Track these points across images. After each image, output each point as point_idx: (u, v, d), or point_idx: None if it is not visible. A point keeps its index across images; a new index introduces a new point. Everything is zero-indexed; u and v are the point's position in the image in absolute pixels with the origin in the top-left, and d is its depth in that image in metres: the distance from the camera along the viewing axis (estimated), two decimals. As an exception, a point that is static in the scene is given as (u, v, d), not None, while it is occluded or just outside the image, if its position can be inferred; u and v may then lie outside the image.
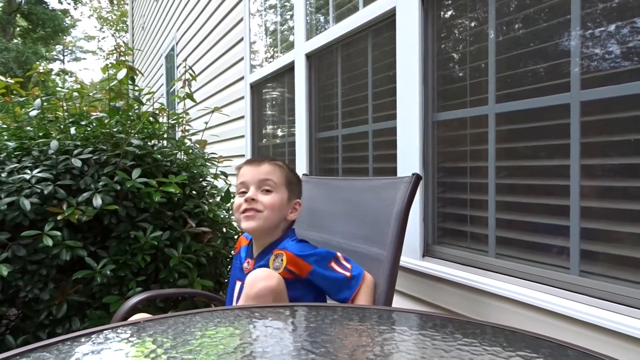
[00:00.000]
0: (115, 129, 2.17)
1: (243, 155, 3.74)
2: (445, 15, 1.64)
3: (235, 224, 2.48)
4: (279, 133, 3.22)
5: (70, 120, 2.24)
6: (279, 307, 0.88)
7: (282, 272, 1.22)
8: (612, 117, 1.13)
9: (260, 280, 1.13)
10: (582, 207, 1.16)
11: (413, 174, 1.43)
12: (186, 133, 2.58)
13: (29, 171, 1.85)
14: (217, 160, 2.51)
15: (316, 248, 1.32)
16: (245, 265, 1.37)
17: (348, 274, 1.26)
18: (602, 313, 1.06)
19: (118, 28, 33.19)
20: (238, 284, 1.35)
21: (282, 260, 1.25)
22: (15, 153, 2.05)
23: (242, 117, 3.77)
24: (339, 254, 1.30)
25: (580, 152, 1.16)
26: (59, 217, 1.76)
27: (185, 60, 3.13)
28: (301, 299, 1.26)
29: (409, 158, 1.69)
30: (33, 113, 2.17)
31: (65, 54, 32.84)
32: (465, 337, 0.68)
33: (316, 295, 1.30)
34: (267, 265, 1.27)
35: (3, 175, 1.84)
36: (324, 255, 1.28)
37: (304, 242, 1.33)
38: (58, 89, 2.45)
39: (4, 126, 2.29)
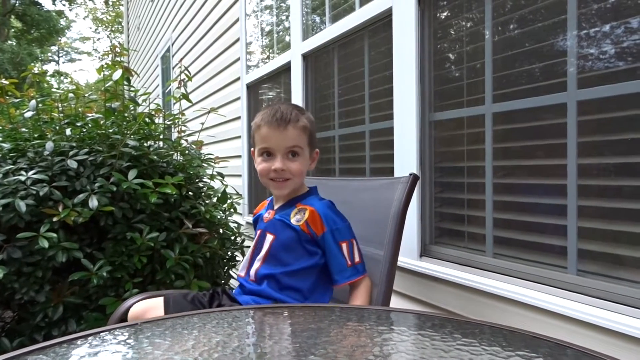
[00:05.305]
0: (111, 130, 2.16)
1: (240, 156, 3.73)
2: (442, 15, 1.64)
3: (232, 225, 2.47)
4: (276, 133, 3.21)
5: (66, 121, 2.22)
6: (277, 308, 0.87)
7: (302, 224, 1.29)
8: (609, 117, 1.13)
9: None
10: (580, 206, 1.17)
11: (410, 174, 1.43)
12: (182, 134, 2.57)
13: (24, 172, 1.84)
14: (213, 161, 2.51)
15: (343, 217, 1.35)
16: (266, 215, 1.41)
17: (349, 262, 1.29)
18: (600, 312, 1.07)
19: (113, 29, 33.11)
20: (258, 232, 1.40)
21: (304, 214, 1.30)
22: (11, 154, 2.03)
23: (239, 117, 3.76)
24: (355, 241, 1.32)
25: (577, 151, 1.17)
26: (54, 219, 1.75)
27: (181, 60, 3.12)
28: (317, 259, 1.30)
29: (406, 158, 1.69)
30: (28, 114, 2.16)
31: (60, 55, 32.73)
32: (465, 337, 0.68)
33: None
34: (288, 217, 1.32)
35: (-2, 176, 1.83)
36: (341, 229, 1.31)
37: (331, 204, 1.36)
38: (53, 90, 2.44)
39: (-1, 127, 2.27)
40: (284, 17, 3.04)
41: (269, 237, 1.34)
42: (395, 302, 1.75)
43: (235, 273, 2.53)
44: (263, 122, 1.32)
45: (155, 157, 2.16)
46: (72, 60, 34.26)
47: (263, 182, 1.37)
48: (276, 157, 1.30)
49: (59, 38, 29.79)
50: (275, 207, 1.40)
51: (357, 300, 1.28)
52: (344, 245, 1.29)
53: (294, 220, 1.31)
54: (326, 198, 1.39)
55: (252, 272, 1.34)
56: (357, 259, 1.30)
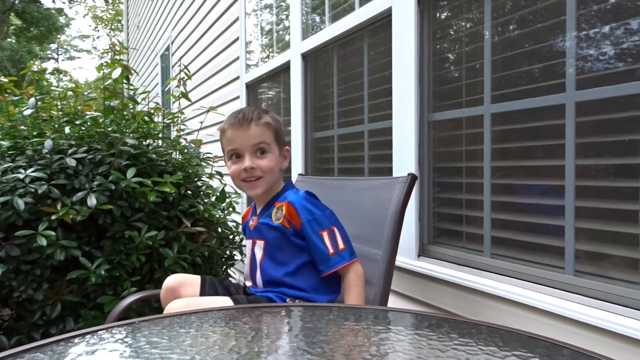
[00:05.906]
0: (110, 129, 2.16)
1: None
2: (441, 16, 1.64)
3: (230, 224, 2.48)
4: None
5: (65, 119, 2.22)
6: (275, 307, 0.88)
7: (282, 222, 1.28)
8: (607, 118, 1.13)
9: None
10: (577, 207, 1.17)
11: (409, 174, 1.43)
12: (181, 132, 2.57)
13: (23, 170, 1.84)
14: (212, 159, 2.51)
15: (321, 206, 1.33)
16: (251, 223, 1.41)
17: (332, 250, 1.26)
18: (597, 313, 1.07)
19: (113, 27, 33.05)
20: (249, 242, 1.40)
21: (282, 211, 1.30)
22: (9, 152, 2.03)
23: (238, 116, 3.75)
24: (336, 228, 1.30)
25: (575, 152, 1.17)
26: (53, 217, 1.75)
27: (180, 59, 3.12)
28: (306, 252, 1.29)
29: (405, 158, 1.69)
30: (27, 112, 2.16)
31: (60, 52, 32.66)
32: (461, 337, 0.68)
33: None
34: (270, 218, 1.32)
35: (-4, 174, 1.83)
36: (318, 219, 1.29)
37: (307, 194, 1.34)
38: (52, 88, 2.44)
39: (-2, 125, 2.27)
40: (283, 17, 3.04)
41: (260, 243, 1.35)
42: (393, 302, 1.75)
43: (233, 272, 2.54)
44: (227, 125, 1.33)
45: (154, 155, 2.16)
46: (71, 58, 34.17)
47: (237, 186, 1.37)
48: (244, 156, 1.31)
49: (59, 36, 29.74)
50: (258, 211, 1.41)
51: (350, 288, 1.26)
52: (325, 234, 1.27)
53: (274, 219, 1.31)
54: (325, 197, 1.39)
55: (258, 280, 1.35)
56: (341, 245, 1.28)
